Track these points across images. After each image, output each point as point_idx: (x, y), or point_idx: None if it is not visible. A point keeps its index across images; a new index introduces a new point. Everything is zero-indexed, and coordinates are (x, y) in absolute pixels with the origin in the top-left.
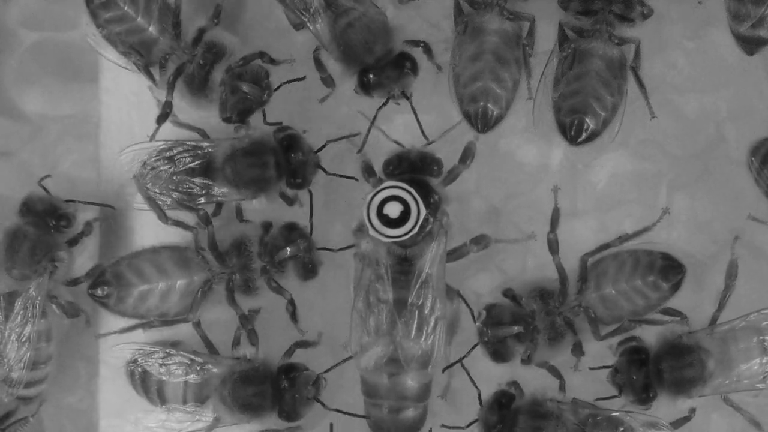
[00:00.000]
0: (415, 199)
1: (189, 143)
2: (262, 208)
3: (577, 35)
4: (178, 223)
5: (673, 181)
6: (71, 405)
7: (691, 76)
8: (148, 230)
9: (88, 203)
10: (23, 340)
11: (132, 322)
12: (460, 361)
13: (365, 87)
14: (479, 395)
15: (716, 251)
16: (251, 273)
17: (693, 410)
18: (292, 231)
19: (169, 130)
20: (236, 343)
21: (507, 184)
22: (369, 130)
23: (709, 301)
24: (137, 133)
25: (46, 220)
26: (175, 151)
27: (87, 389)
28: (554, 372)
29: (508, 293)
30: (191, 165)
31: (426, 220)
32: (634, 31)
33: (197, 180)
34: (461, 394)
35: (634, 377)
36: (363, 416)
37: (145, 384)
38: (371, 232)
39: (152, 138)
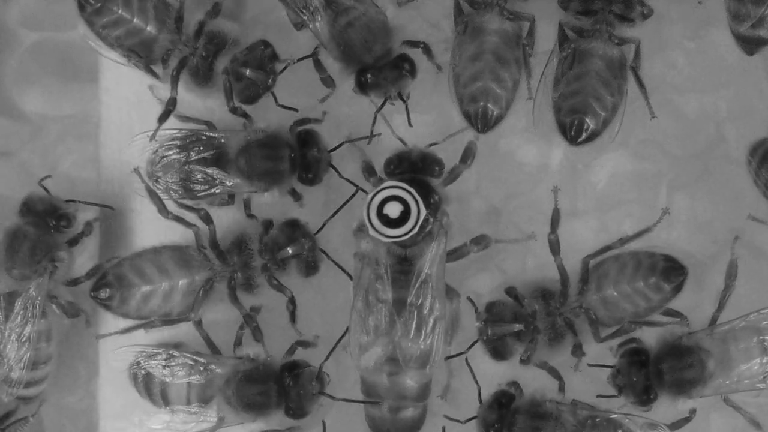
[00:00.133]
0: (416, 199)
1: (202, 133)
2: (272, 201)
3: (577, 35)
4: (179, 219)
5: (673, 181)
6: (71, 405)
7: (691, 76)
8: (148, 230)
9: (88, 203)
10: (23, 340)
11: (132, 322)
12: (462, 354)
13: (362, 87)
14: (479, 392)
15: (716, 251)
16: (252, 271)
17: (693, 411)
18: (294, 229)
19: (172, 123)
20: (238, 342)
21: (507, 184)
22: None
23: (709, 301)
24: (137, 133)
25: (47, 220)
26: (187, 140)
27: (87, 389)
28: (554, 373)
29: (510, 291)
30: (204, 155)
31: (426, 220)
32: (634, 31)
33: (209, 170)
34: (461, 394)
35: (635, 379)
36: (372, 401)
37: (149, 386)
38: (371, 231)
39: (152, 138)
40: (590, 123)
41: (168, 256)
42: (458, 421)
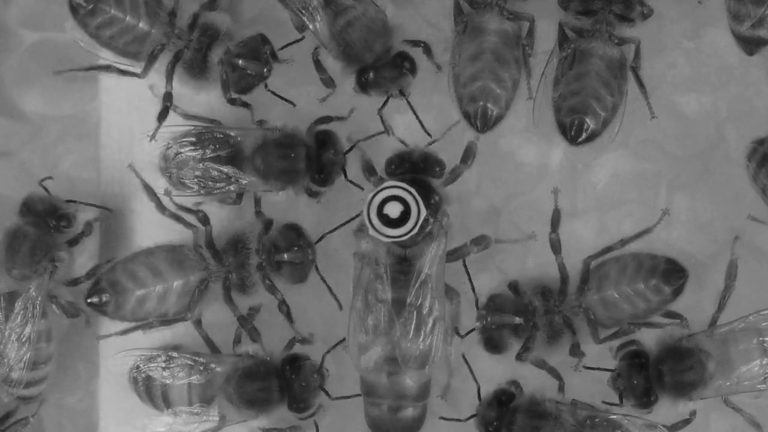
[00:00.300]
0: (416, 200)
1: (218, 130)
2: (285, 200)
3: (577, 35)
4: (176, 217)
5: (673, 181)
6: (71, 405)
7: (691, 76)
8: (148, 230)
9: (88, 204)
10: (23, 340)
11: (132, 323)
12: (466, 335)
13: (363, 86)
14: (479, 390)
15: (716, 251)
16: (247, 272)
17: (693, 413)
18: (296, 234)
19: (176, 122)
20: (237, 340)
21: (507, 184)
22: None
23: (709, 301)
24: (137, 133)
25: (47, 221)
26: (203, 138)
27: (87, 389)
28: (554, 373)
29: (512, 285)
30: (219, 152)
31: (426, 220)
32: (634, 31)
33: (225, 168)
34: (461, 393)
35: (635, 381)
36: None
37: (149, 390)
38: (371, 231)
39: (152, 137)
40: (590, 123)
41: (162, 257)
42: (457, 420)
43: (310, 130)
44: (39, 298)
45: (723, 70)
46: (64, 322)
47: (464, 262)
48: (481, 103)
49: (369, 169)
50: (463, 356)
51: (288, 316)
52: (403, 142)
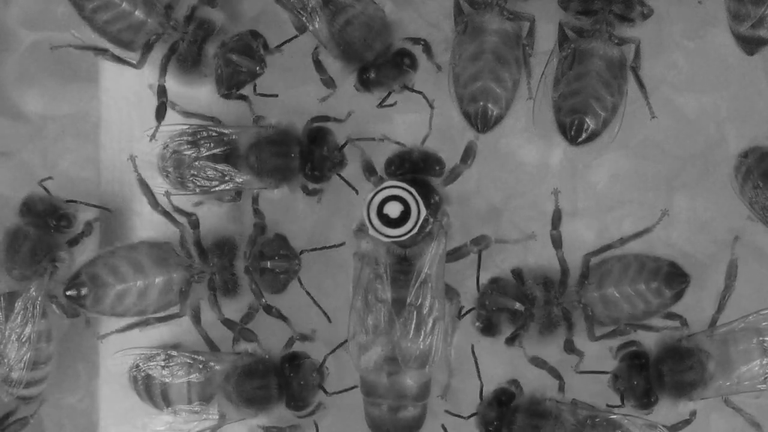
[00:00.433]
0: (416, 200)
1: (213, 128)
2: (281, 198)
3: (577, 35)
4: (167, 215)
5: (673, 181)
6: (71, 405)
7: (691, 76)
8: (148, 230)
9: (88, 204)
10: (23, 340)
11: (131, 320)
12: (463, 315)
13: (365, 84)
14: (481, 389)
15: (716, 251)
16: (231, 274)
17: (693, 413)
18: (283, 245)
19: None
20: (237, 338)
21: (507, 184)
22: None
23: (709, 301)
24: (137, 133)
25: (47, 221)
26: (198, 136)
27: (87, 389)
28: (554, 372)
29: (515, 271)
30: (215, 151)
31: (426, 220)
32: (634, 31)
33: (220, 166)
34: (461, 393)
35: (635, 382)
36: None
37: (149, 388)
38: (371, 231)
39: (152, 137)
40: (590, 123)
41: (144, 252)
42: (460, 416)
43: (306, 127)
44: (39, 298)
45: (723, 70)
46: (64, 322)
47: (480, 255)
48: (482, 103)
49: (369, 169)
50: (472, 349)
51: (280, 317)
52: (399, 143)
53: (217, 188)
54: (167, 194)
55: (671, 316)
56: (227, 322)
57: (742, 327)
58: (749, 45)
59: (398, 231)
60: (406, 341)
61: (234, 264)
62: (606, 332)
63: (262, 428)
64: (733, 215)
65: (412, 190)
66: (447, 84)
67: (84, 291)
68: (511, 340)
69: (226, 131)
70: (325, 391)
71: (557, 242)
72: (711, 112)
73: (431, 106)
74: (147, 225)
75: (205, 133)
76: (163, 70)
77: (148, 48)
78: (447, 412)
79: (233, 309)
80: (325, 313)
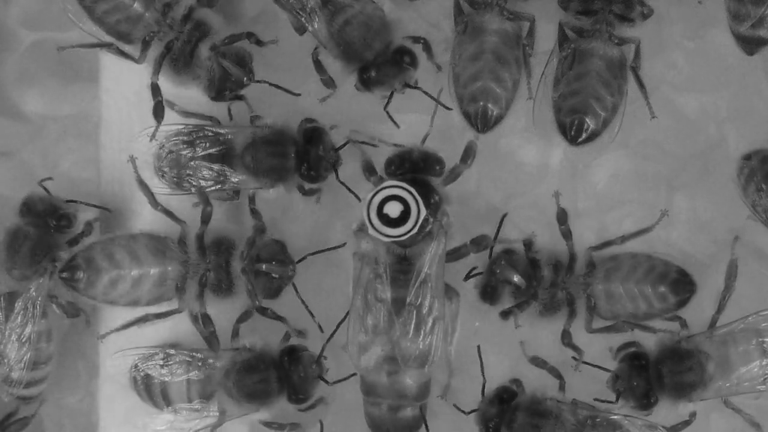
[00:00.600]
0: (416, 199)
1: (209, 128)
2: (278, 198)
3: (577, 35)
4: (167, 213)
5: (673, 181)
6: (71, 405)
7: (691, 76)
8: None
9: (88, 204)
10: (23, 340)
11: (130, 317)
12: (468, 278)
13: (366, 84)
14: (483, 386)
15: (716, 251)
16: (225, 274)
17: (693, 414)
18: (280, 250)
19: (175, 119)
20: (235, 334)
21: (507, 184)
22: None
23: (709, 301)
24: (137, 133)
25: (47, 221)
26: (194, 136)
27: (87, 389)
28: (554, 372)
29: (526, 242)
30: (210, 151)
31: (426, 220)
32: (634, 31)
33: (215, 166)
34: (461, 393)
35: (635, 383)
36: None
37: (149, 388)
38: (371, 231)
39: (152, 137)
40: (590, 123)
41: (143, 243)
42: (462, 411)
43: (300, 127)
44: (39, 298)
45: (723, 70)
46: (64, 322)
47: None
48: (482, 103)
49: (369, 169)
50: (479, 350)
51: (275, 317)
52: (398, 145)
53: (212, 188)
54: (200, 189)
55: (671, 317)
56: (205, 317)
57: (742, 328)
58: (749, 45)
59: (398, 231)
60: (405, 341)
61: (230, 263)
62: (603, 326)
63: (263, 424)
64: (733, 215)
65: (412, 189)
66: (447, 84)
67: (78, 274)
68: (505, 314)
69: (222, 131)
70: (326, 381)
71: (567, 235)
72: (711, 112)
73: (436, 101)
74: (147, 225)
75: (201, 133)
76: (157, 69)
77: (146, 44)
78: (455, 406)
79: (227, 308)
80: (318, 325)
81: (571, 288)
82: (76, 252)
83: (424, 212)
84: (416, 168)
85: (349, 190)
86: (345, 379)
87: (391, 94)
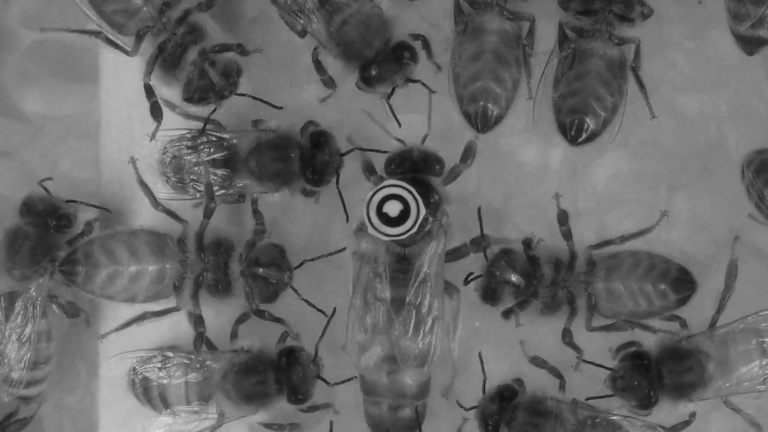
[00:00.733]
0: (415, 199)
1: (212, 133)
2: (281, 200)
3: (577, 35)
4: (169, 213)
5: (673, 181)
6: (71, 405)
7: (691, 76)
8: None
9: (88, 205)
10: (23, 340)
11: (129, 316)
12: (468, 282)
13: (368, 82)
14: (484, 383)
15: (716, 251)
16: (222, 274)
17: (693, 414)
18: (278, 254)
19: (178, 123)
20: (234, 336)
21: (507, 184)
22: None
23: (709, 301)
24: (137, 133)
25: (47, 221)
26: (198, 141)
27: (87, 389)
28: (554, 372)
29: (526, 241)
30: (215, 156)
31: (425, 219)
32: (634, 31)
33: (219, 171)
34: (462, 393)
35: (636, 383)
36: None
37: (147, 391)
38: (370, 230)
39: (152, 138)
40: (590, 123)
41: (143, 239)
42: (462, 407)
43: (304, 131)
44: (39, 298)
45: (723, 70)
46: (64, 322)
47: (479, 212)
48: (482, 103)
49: (369, 168)
50: (479, 356)
51: (273, 319)
52: (400, 140)
53: (217, 192)
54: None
55: (671, 317)
56: (197, 318)
57: (742, 328)
58: (749, 45)
59: (397, 230)
60: (404, 340)
61: (228, 264)
62: (603, 325)
63: (262, 425)
64: (733, 215)
65: (412, 189)
66: (447, 84)
67: (77, 268)
68: (507, 314)
69: (226, 136)
70: (326, 382)
71: (567, 235)
72: (711, 112)
73: (431, 91)
74: (147, 225)
75: (205, 138)
76: (149, 70)
77: (140, 38)
78: (457, 402)
79: (226, 309)
80: (325, 313)
81: (571, 286)
82: (76, 246)
83: (423, 212)
84: (416, 167)
85: (342, 202)
86: (345, 381)
87: (393, 88)
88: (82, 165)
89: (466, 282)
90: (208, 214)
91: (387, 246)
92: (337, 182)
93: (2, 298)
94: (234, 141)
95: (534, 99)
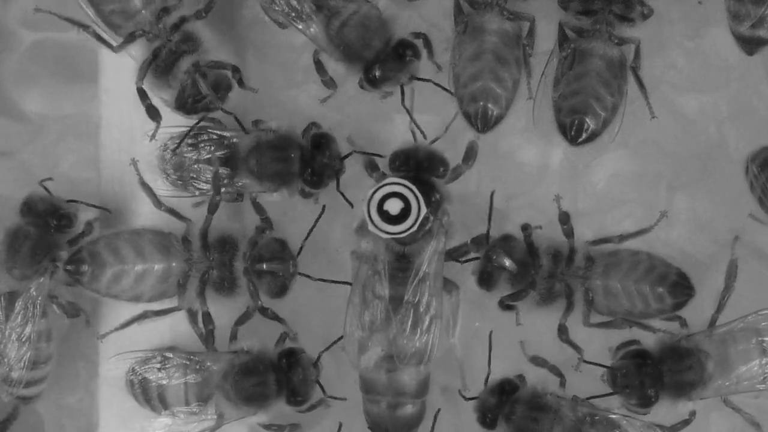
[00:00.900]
0: (417, 197)
1: (213, 131)
2: (280, 200)
3: (577, 35)
4: (172, 212)
5: (673, 181)
6: (71, 405)
7: (691, 76)
8: None
9: (89, 205)
10: (23, 339)
11: (129, 315)
12: (464, 261)
13: (373, 82)
14: (487, 376)
15: (716, 251)
16: (227, 272)
17: (693, 413)
18: (280, 248)
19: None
20: (233, 337)
21: (507, 184)
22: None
23: (709, 301)
24: (137, 133)
25: (47, 220)
26: (198, 139)
27: (87, 389)
28: (555, 371)
29: (526, 227)
30: (215, 154)
31: (426, 218)
32: (634, 31)
33: (219, 170)
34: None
35: (636, 381)
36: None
37: (146, 392)
38: (370, 227)
39: (152, 138)
40: (590, 123)
41: (148, 238)
42: (463, 396)
43: (306, 133)
44: (39, 298)
45: (723, 70)
46: (64, 322)
47: (492, 198)
48: (482, 103)
49: (371, 165)
50: (489, 337)
51: (275, 318)
52: (420, 129)
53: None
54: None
55: (670, 316)
56: (205, 315)
57: (742, 327)
58: (749, 45)
59: (398, 228)
60: (402, 338)
61: (233, 263)
62: (600, 322)
63: (261, 426)
64: (733, 215)
65: (413, 187)
66: (447, 84)
67: (83, 267)
68: (503, 304)
69: (226, 134)
70: (323, 390)
71: (569, 233)
72: (711, 112)
73: (449, 92)
74: (147, 225)
75: (205, 136)
76: (142, 75)
77: (130, 38)
78: (459, 392)
79: (225, 310)
80: (343, 282)
81: (569, 280)
82: (81, 246)
83: (424, 210)
84: (420, 167)
85: (346, 199)
86: (340, 398)
87: (402, 89)
88: (82, 165)
89: (464, 261)
90: (212, 209)
91: (387, 244)
92: (338, 186)
93: (2, 298)
94: (234, 140)
95: (534, 99)
